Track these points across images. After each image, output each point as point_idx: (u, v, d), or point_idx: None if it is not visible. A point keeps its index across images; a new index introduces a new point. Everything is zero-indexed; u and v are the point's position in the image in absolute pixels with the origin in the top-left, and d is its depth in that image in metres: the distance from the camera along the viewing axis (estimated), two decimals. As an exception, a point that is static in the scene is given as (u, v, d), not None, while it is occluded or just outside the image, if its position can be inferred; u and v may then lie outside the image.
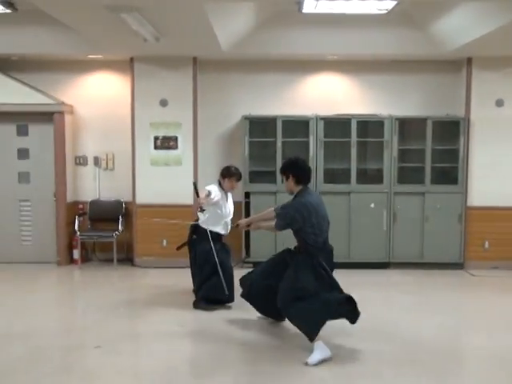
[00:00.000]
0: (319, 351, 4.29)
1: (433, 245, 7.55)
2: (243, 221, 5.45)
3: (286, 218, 4.58)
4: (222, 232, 5.78)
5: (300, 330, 4.51)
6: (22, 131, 7.80)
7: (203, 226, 5.67)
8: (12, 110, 7.50)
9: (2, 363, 4.29)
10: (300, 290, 4.43)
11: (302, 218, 4.48)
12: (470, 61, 7.49)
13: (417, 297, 6.36)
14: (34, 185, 7.87)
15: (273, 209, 4.87)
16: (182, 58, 7.41)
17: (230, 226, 5.80)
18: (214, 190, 5.61)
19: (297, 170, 4.66)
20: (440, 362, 4.37)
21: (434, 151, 7.54)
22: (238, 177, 5.85)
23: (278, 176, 7.45)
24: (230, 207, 5.87)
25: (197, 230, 5.76)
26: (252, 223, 5.29)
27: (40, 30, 6.96)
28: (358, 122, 7.52)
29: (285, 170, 4.73)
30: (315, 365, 4.21)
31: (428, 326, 5.28)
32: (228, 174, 5.78)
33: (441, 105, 7.80)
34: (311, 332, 4.38)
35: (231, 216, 5.86)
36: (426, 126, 7.48)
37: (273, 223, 4.72)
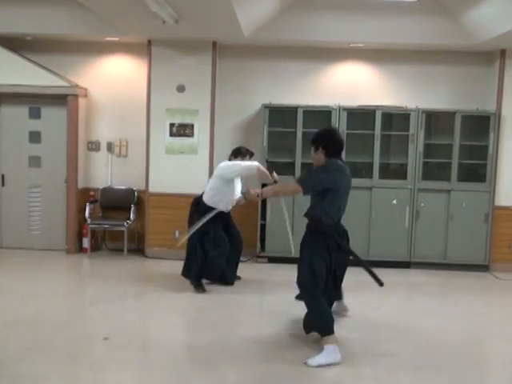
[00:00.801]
0: (326, 355, 4.20)
1: (457, 245, 7.45)
2: (254, 191, 4.98)
3: (313, 177, 4.44)
4: (223, 209, 6.04)
5: (314, 325, 4.49)
6: (35, 114, 7.82)
7: (206, 201, 6.02)
8: (25, 91, 7.52)
9: (9, 351, 4.30)
10: (316, 276, 4.38)
11: (331, 180, 4.37)
12: (503, 53, 7.35)
13: (439, 299, 6.29)
14: (45, 170, 7.89)
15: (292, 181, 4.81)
16: (201, 42, 7.37)
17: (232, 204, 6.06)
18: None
19: (328, 141, 4.50)
20: (460, 367, 4.30)
21: (462, 147, 7.43)
22: (251, 155, 6.18)
23: (297, 167, 7.45)
24: (238, 186, 6.19)
25: (199, 205, 6.09)
26: (267, 191, 4.85)
27: (56, 10, 6.96)
28: (383, 114, 7.43)
29: (315, 140, 4.53)
30: (315, 367, 4.14)
31: (449, 330, 5.20)
32: (240, 153, 6.12)
33: (471, 98, 7.68)
34: (326, 332, 4.33)
35: (239, 195, 6.08)
36: (455, 121, 7.37)
37: (293, 187, 4.53)
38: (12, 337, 4.61)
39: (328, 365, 4.13)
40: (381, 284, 4.50)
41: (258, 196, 4.81)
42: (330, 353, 4.18)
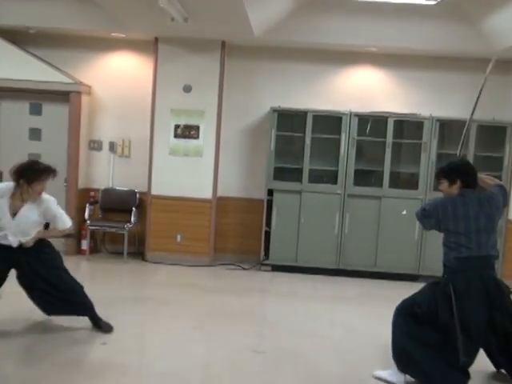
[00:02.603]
0: (393, 375, 4.20)
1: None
2: None
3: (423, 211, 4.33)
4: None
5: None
6: (35, 110, 7.88)
7: None
8: (26, 86, 7.57)
9: (7, 354, 4.34)
10: None
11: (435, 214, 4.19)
12: (522, 61, 7.40)
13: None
14: (45, 168, 7.94)
15: None
16: (209, 41, 7.41)
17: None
18: None
19: (470, 176, 4.22)
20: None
21: (477, 157, 7.43)
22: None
23: (305, 174, 7.48)
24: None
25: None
26: None
27: (61, 2, 7.01)
28: (395, 122, 7.46)
29: (450, 174, 4.21)
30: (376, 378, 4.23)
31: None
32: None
33: (487, 107, 7.62)
34: None
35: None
36: (470, 130, 7.40)
37: None
38: (9, 339, 4.63)
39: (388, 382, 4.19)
40: None
41: None
42: (396, 375, 4.19)
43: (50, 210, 4.79)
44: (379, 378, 4.21)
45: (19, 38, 7.68)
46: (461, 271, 4.07)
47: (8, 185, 4.71)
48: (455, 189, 4.16)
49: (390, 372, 4.20)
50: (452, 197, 4.15)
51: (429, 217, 4.25)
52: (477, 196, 4.14)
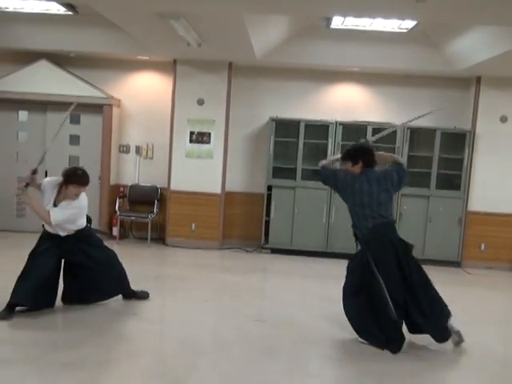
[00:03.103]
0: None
1: (434, 243, 7.49)
2: None
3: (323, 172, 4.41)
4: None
5: None
6: (75, 120, 7.88)
7: None
8: (67, 100, 7.52)
9: (49, 325, 4.39)
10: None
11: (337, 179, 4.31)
12: (478, 79, 7.40)
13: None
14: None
15: None
16: (219, 62, 7.43)
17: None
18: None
19: (368, 156, 4.30)
20: (431, 350, 4.28)
21: (441, 159, 7.47)
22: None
23: (298, 172, 7.50)
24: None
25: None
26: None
27: (96, 31, 7.04)
28: (374, 129, 7.46)
29: (354, 157, 4.30)
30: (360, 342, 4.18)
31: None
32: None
33: (449, 118, 7.70)
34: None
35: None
36: (435, 137, 7.42)
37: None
38: (50, 311, 4.65)
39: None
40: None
41: None
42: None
43: (72, 203, 4.44)
44: (362, 342, 4.20)
45: (62, 60, 7.72)
46: (373, 239, 4.12)
47: (58, 179, 4.52)
48: (357, 168, 4.25)
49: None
50: (358, 175, 4.22)
51: (332, 178, 4.34)
52: (376, 175, 4.23)
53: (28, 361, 3.59)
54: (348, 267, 4.38)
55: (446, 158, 7.52)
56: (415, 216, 7.50)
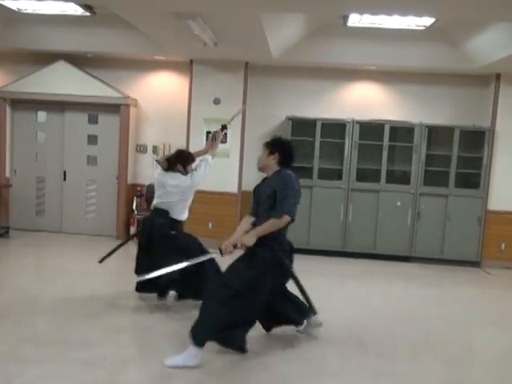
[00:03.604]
0: (188, 357, 3.55)
1: (453, 243, 7.41)
2: (230, 242, 3.77)
3: (292, 198, 3.66)
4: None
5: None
6: (93, 120, 7.98)
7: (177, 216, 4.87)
8: (85, 100, 7.69)
9: (63, 320, 4.43)
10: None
11: (299, 191, 3.75)
12: (498, 76, 7.28)
13: (434, 289, 6.26)
14: (100, 167, 8.05)
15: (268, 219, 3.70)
16: (235, 62, 7.43)
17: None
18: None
19: (287, 151, 3.89)
20: (451, 350, 4.29)
21: (459, 158, 7.38)
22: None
23: (315, 171, 7.47)
24: None
25: (174, 223, 4.82)
26: (249, 239, 3.67)
27: (114, 32, 7.07)
28: (391, 128, 7.42)
29: (273, 146, 3.90)
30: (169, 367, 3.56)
31: (442, 317, 5.19)
32: (189, 159, 4.97)
33: (468, 116, 7.63)
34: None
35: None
36: (454, 135, 7.33)
37: (283, 222, 3.67)
38: (67, 308, 4.72)
39: (185, 367, 3.55)
40: (314, 313, 4.04)
41: (234, 248, 3.72)
42: (194, 356, 3.57)
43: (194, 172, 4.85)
44: (171, 366, 3.56)
45: (79, 61, 7.79)
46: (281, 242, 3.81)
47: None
48: (272, 159, 3.85)
49: (185, 357, 3.58)
50: (294, 175, 3.80)
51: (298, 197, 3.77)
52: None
53: (49, 360, 3.62)
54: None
55: (465, 156, 7.43)
56: (434, 215, 7.42)
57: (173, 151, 7.91)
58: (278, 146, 3.89)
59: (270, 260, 3.70)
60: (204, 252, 4.63)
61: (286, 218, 3.65)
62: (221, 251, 3.75)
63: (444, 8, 4.47)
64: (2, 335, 4.03)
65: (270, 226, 3.65)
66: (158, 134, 8.08)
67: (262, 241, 3.66)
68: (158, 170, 4.97)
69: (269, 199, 3.74)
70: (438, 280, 6.74)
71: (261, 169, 4.00)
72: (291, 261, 3.99)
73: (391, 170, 7.59)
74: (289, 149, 3.93)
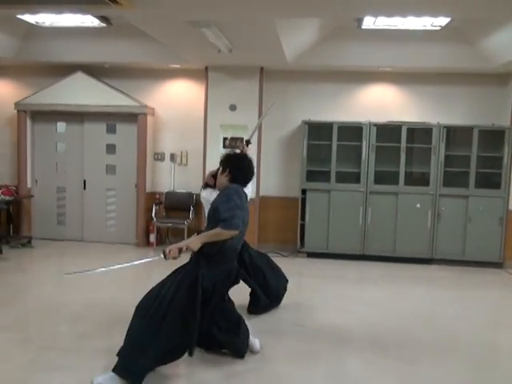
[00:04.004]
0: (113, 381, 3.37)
1: (474, 244, 7.31)
2: (175, 246, 3.51)
3: (235, 210, 3.39)
4: None
5: None
6: (111, 129, 8.07)
7: None
8: (103, 110, 7.78)
9: (87, 327, 4.48)
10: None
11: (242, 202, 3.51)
12: (516, 75, 7.21)
13: (456, 291, 6.19)
14: (119, 176, 8.13)
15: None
16: (250, 67, 7.45)
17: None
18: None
19: (238, 168, 3.66)
20: (474, 353, 4.25)
21: (479, 158, 7.29)
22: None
23: (332, 175, 7.45)
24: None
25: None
26: (193, 243, 3.46)
27: (130, 42, 7.15)
28: (408, 129, 7.37)
29: (225, 163, 3.70)
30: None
31: (465, 319, 5.13)
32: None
33: (486, 115, 7.54)
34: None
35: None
36: (472, 134, 7.25)
37: (230, 233, 3.39)
38: (88, 315, 4.76)
39: None
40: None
41: (180, 251, 3.48)
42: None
43: None
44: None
45: (97, 71, 7.90)
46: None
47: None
48: (224, 176, 3.64)
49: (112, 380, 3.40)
50: (241, 190, 3.61)
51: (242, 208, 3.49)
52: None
53: (73, 367, 3.66)
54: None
55: (485, 156, 7.33)
56: (454, 216, 7.34)
57: (190, 158, 8.08)
58: (229, 164, 3.68)
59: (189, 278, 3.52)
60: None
61: (230, 232, 3.37)
62: (164, 255, 3.50)
63: (459, 7, 4.44)
64: (26, 343, 4.10)
65: (215, 232, 3.40)
66: (176, 141, 8.14)
67: (194, 256, 3.53)
68: (206, 190, 4.80)
69: (214, 216, 3.52)
70: (459, 282, 6.66)
71: (217, 187, 3.79)
72: (226, 289, 3.81)
73: (409, 171, 7.53)
74: (240, 166, 3.67)
